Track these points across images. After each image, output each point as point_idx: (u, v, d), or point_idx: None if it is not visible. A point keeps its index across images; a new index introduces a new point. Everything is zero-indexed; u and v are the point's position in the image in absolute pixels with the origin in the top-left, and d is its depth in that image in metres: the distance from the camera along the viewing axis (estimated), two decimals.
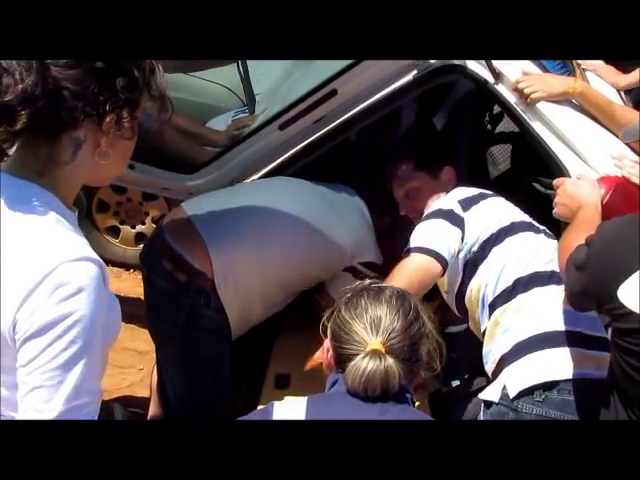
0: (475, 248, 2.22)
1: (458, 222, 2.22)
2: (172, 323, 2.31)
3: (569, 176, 2.24)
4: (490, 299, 2.14)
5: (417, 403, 2.37)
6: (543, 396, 1.89)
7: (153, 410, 2.71)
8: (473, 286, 2.22)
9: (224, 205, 2.40)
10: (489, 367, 2.11)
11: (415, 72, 2.47)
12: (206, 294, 2.26)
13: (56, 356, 1.20)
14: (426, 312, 1.61)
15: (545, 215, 2.21)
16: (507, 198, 2.41)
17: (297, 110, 2.55)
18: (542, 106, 2.40)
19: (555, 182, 2.09)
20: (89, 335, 1.22)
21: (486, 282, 2.17)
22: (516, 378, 1.96)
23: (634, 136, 1.95)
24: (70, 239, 1.27)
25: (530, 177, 2.76)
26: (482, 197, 2.35)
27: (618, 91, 2.95)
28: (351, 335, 1.50)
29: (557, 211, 2.03)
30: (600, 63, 3.07)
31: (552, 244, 2.20)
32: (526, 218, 2.33)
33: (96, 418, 1.29)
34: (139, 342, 3.21)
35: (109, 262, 3.84)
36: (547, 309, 2.04)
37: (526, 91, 2.39)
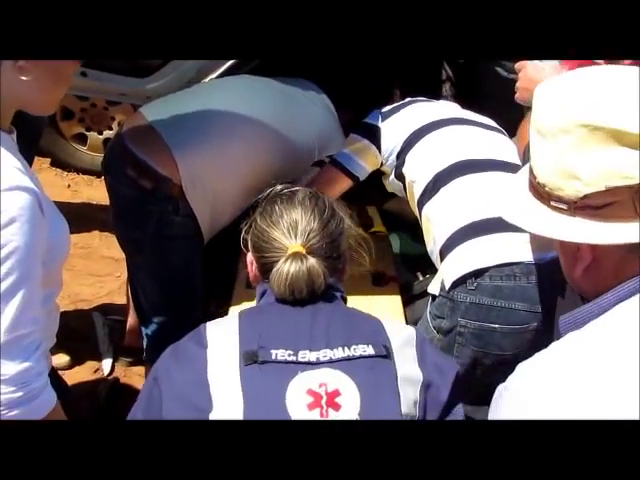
0: (396, 152, 2.27)
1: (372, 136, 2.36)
2: (141, 232, 2.27)
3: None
4: (418, 196, 2.16)
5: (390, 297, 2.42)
6: (475, 284, 1.91)
7: (132, 317, 2.73)
8: (408, 188, 2.24)
9: (185, 108, 2.31)
10: (436, 263, 2.13)
11: None
12: (174, 200, 2.20)
13: None
14: (343, 209, 1.59)
15: (506, 97, 2.15)
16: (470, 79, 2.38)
17: None
18: None
19: (516, 66, 2.02)
20: (25, 266, 1.20)
21: (413, 180, 2.19)
22: (450, 269, 1.98)
23: None
24: (3, 167, 1.22)
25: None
26: (410, 103, 2.38)
27: None
28: (270, 242, 1.48)
29: (519, 96, 1.98)
30: None
31: (483, 133, 2.23)
32: (458, 113, 2.32)
33: (42, 346, 1.28)
34: (115, 250, 3.18)
35: (79, 170, 3.81)
36: (470, 198, 2.04)
37: None
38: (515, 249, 1.93)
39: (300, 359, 1.33)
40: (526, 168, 1.21)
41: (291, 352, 1.33)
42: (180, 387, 1.34)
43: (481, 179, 2.06)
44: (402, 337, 1.42)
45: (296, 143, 2.37)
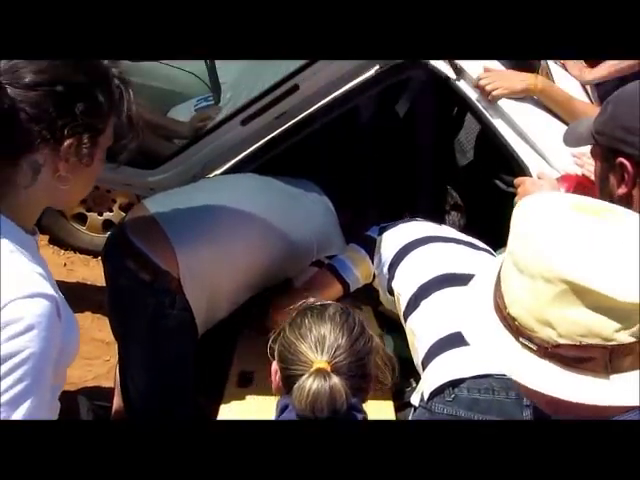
0: (387, 266, 2.31)
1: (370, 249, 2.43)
2: (135, 322, 2.27)
3: (530, 175, 2.24)
4: (403, 309, 2.19)
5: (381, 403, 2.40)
6: (453, 395, 1.90)
7: (117, 404, 2.68)
8: (396, 301, 2.27)
9: (188, 203, 2.35)
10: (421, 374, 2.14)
11: (377, 67, 2.46)
12: (171, 293, 2.21)
13: (3, 393, 1.18)
14: (374, 327, 1.59)
15: (506, 211, 2.19)
16: (471, 191, 2.43)
17: (259, 105, 2.52)
18: (503, 103, 2.40)
19: (516, 181, 2.08)
20: (38, 372, 1.20)
21: (399, 294, 2.23)
22: (428, 379, 1.98)
23: (575, 141, 1.88)
24: (24, 272, 1.24)
25: (493, 171, 2.76)
26: (406, 220, 2.47)
27: (584, 86, 2.92)
28: (297, 355, 1.47)
29: None
30: None
31: (466, 251, 2.29)
32: (446, 232, 2.41)
33: None
34: (106, 332, 3.14)
35: (76, 249, 3.82)
36: (449, 311, 2.05)
37: (487, 88, 2.39)
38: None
39: None
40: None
41: None
42: None
43: (459, 292, 2.07)
44: None
45: (296, 243, 2.40)
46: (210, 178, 2.64)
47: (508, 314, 1.07)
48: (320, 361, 1.44)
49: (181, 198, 2.39)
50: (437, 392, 1.92)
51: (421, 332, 2.09)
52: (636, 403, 0.98)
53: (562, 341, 1.00)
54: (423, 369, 2.04)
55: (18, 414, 1.19)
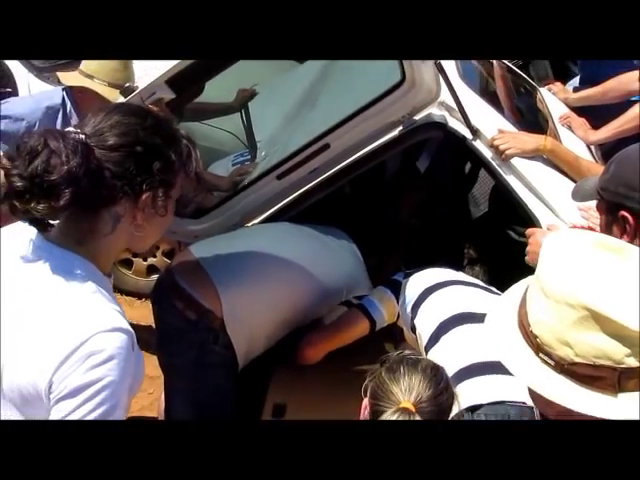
0: (410, 306, 2.30)
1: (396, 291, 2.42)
2: (181, 358, 2.32)
3: (540, 226, 2.27)
4: (424, 344, 2.20)
5: None
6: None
7: None
8: (418, 338, 2.28)
9: (229, 249, 2.43)
10: None
11: (400, 128, 2.54)
12: (215, 332, 2.27)
13: (84, 416, 1.24)
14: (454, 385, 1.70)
15: (517, 259, 2.25)
16: (485, 240, 2.45)
17: (293, 162, 2.60)
18: (515, 161, 2.45)
19: (527, 232, 2.11)
20: (116, 398, 1.26)
21: (422, 330, 2.23)
22: None
23: (582, 196, 1.94)
24: (105, 309, 1.30)
25: (506, 222, 2.81)
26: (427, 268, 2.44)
27: (588, 145, 3.00)
28: (387, 394, 1.58)
29: (528, 258, 2.04)
30: (573, 117, 3.13)
31: (480, 292, 2.29)
32: (462, 277, 2.41)
33: None
34: (150, 367, 3.16)
35: (122, 291, 3.87)
36: (468, 344, 2.08)
37: (501, 147, 2.44)
38: (511, 391, 1.94)
39: None
40: (512, 299, 1.21)
41: None
42: None
43: (477, 328, 2.11)
44: None
45: (327, 286, 2.46)
46: (248, 227, 2.71)
47: (531, 332, 1.12)
48: (407, 402, 1.54)
49: (223, 245, 2.47)
50: (456, 418, 1.93)
51: (441, 364, 2.12)
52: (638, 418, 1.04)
53: (578, 360, 1.06)
54: None
55: None
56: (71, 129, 1.31)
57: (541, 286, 1.12)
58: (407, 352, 1.73)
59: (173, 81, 2.24)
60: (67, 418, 1.25)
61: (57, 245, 1.33)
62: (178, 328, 2.32)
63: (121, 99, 2.59)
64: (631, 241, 1.65)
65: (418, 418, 1.51)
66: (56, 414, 1.26)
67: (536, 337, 1.11)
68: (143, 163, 1.32)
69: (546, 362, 1.10)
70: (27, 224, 1.31)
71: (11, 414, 1.34)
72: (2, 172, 1.25)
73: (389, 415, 1.52)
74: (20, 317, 1.31)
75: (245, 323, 2.31)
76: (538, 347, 1.11)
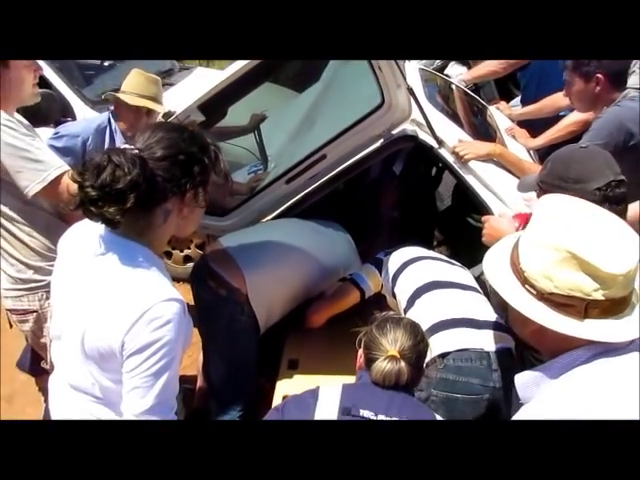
0: (391, 276, 2.29)
1: (379, 267, 2.39)
2: (215, 326, 2.34)
3: (493, 214, 2.29)
4: (403, 307, 2.20)
5: None
6: (443, 364, 1.93)
7: (200, 386, 2.75)
8: (398, 303, 2.27)
9: (250, 240, 2.45)
10: None
11: (381, 141, 2.55)
12: (241, 305, 2.29)
13: (150, 367, 1.27)
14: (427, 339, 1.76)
15: (476, 240, 2.28)
16: (449, 226, 2.44)
17: (297, 170, 2.61)
18: (472, 164, 2.47)
19: (482, 218, 2.10)
20: (173, 353, 1.28)
21: (401, 297, 2.23)
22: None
23: (525, 189, 1.98)
24: (162, 284, 1.32)
25: (465, 212, 2.83)
26: (405, 247, 2.43)
27: (528, 150, 3.04)
28: (378, 345, 1.65)
29: (484, 239, 2.05)
30: (516, 128, 3.16)
31: (451, 267, 2.29)
32: (434, 254, 2.41)
33: (176, 409, 1.35)
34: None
35: None
36: (435, 306, 2.09)
37: (461, 154, 2.47)
38: (472, 340, 1.96)
39: (377, 419, 1.50)
40: (507, 243, 1.24)
41: (372, 414, 1.50)
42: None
43: (443, 293, 2.13)
44: None
45: (328, 266, 2.48)
46: (264, 222, 2.73)
47: (520, 268, 1.15)
48: (393, 350, 1.62)
49: (245, 236, 2.48)
50: (431, 362, 1.96)
51: (417, 321, 2.08)
52: (598, 339, 1.08)
53: (556, 291, 1.10)
54: None
55: (160, 383, 1.27)
56: (127, 146, 1.32)
57: (532, 233, 1.15)
58: (391, 313, 1.78)
59: (203, 107, 2.27)
60: (136, 369, 1.28)
61: (122, 237, 1.36)
62: (212, 302, 2.34)
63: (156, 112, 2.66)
64: None
65: (402, 363, 1.59)
66: (127, 367, 1.29)
67: (524, 272, 1.14)
68: (186, 168, 1.33)
69: (529, 291, 1.13)
70: (99, 223, 1.32)
71: (92, 368, 1.37)
72: (76, 185, 1.26)
73: (381, 363, 1.59)
74: (98, 292, 1.33)
75: (265, 298, 2.33)
76: (525, 280, 1.14)
